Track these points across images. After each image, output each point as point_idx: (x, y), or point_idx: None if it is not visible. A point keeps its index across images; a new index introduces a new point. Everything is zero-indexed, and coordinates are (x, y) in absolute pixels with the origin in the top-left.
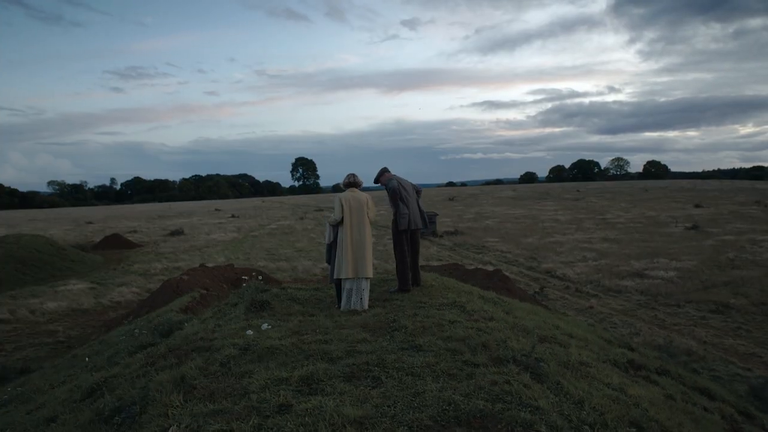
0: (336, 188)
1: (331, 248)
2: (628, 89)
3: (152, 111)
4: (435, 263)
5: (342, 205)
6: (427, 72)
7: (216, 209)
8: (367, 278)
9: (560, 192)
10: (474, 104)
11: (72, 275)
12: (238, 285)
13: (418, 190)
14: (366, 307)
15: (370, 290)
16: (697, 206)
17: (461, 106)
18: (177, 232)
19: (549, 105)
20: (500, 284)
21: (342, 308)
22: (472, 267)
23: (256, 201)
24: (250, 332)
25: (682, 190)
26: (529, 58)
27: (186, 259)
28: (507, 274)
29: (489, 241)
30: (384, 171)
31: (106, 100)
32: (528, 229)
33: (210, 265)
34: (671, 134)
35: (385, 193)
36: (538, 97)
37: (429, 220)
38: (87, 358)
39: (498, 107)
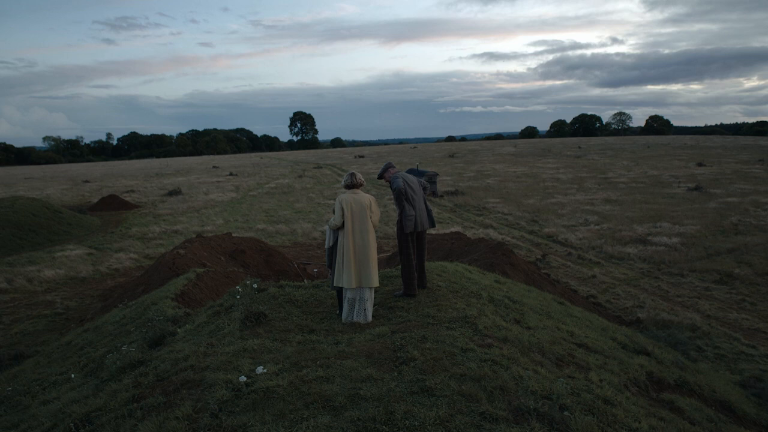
0: (335, 142)
1: (332, 252)
2: (632, 40)
3: (145, 63)
4: (436, 227)
5: (343, 209)
6: (426, 22)
7: (214, 166)
8: (371, 288)
9: (561, 148)
10: (474, 56)
11: (69, 239)
12: (236, 257)
13: (424, 186)
14: (369, 319)
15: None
16: (699, 165)
17: (461, 57)
18: (175, 192)
19: (550, 57)
20: (504, 259)
21: (344, 319)
22: (474, 234)
23: (254, 157)
24: (243, 378)
25: (685, 147)
26: (530, 7)
27: (184, 222)
28: (509, 239)
29: (490, 202)
30: (389, 167)
31: (97, 52)
32: (529, 189)
33: (208, 228)
34: (674, 87)
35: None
36: (539, 48)
37: (430, 180)
38: (73, 375)
39: (498, 59)
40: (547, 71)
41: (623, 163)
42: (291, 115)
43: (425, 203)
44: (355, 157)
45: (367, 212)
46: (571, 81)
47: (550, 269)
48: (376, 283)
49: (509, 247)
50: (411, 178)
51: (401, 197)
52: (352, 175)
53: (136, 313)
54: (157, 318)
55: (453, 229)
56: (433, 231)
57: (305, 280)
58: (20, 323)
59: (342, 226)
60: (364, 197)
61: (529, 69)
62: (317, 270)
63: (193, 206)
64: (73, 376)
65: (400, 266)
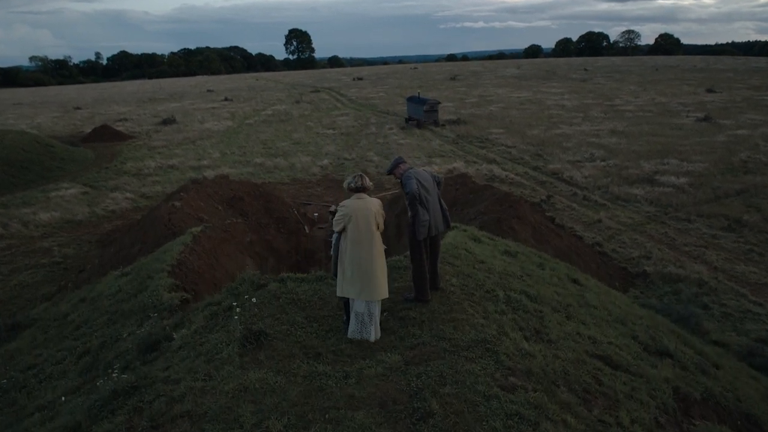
0: (332, 61)
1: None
2: None
3: None
4: (438, 161)
5: (345, 216)
6: None
7: (208, 90)
8: (379, 300)
9: (566, 70)
10: None
11: (63, 176)
12: (234, 205)
13: (438, 180)
14: (378, 335)
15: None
16: (709, 91)
17: None
18: (169, 121)
19: None
20: (511, 212)
21: (351, 336)
22: (477, 171)
23: (249, 79)
24: None
25: (694, 69)
26: None
27: (180, 155)
28: (512, 176)
29: (493, 133)
30: (399, 162)
31: None
32: (533, 117)
33: (205, 162)
34: (685, 2)
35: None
36: None
37: (431, 108)
38: (63, 398)
39: None
40: None
41: (630, 88)
42: (286, 32)
43: (440, 201)
44: (354, 79)
45: (374, 220)
46: None
47: (555, 212)
48: (385, 294)
49: (515, 198)
50: (424, 175)
51: (415, 202)
52: (361, 177)
53: (132, 287)
54: (153, 313)
55: (455, 164)
56: (436, 166)
57: (305, 227)
58: (19, 274)
59: (345, 232)
60: (371, 203)
61: None
62: (317, 214)
63: (189, 137)
64: (63, 398)
65: (410, 260)
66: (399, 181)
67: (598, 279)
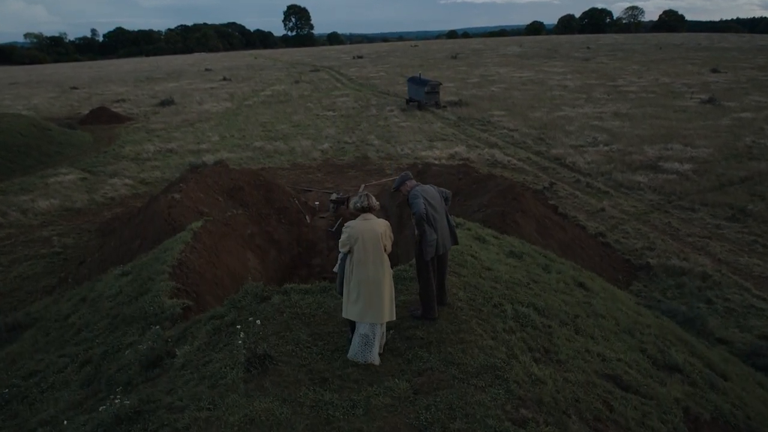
0: (331, 38)
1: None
2: None
3: None
4: (439, 145)
5: (351, 238)
6: None
7: (206, 69)
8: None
9: (569, 49)
10: None
11: (61, 161)
12: (234, 195)
13: (446, 196)
14: (379, 355)
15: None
16: (713, 71)
17: None
18: (167, 102)
19: None
20: (515, 206)
21: (355, 358)
22: (479, 156)
23: (248, 57)
24: None
25: (699, 48)
26: None
27: (179, 139)
28: (515, 161)
29: (495, 115)
30: (405, 179)
31: None
32: (535, 99)
33: (204, 146)
34: None
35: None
36: None
37: (432, 89)
38: (66, 423)
39: None
40: None
41: (633, 67)
42: (284, 7)
43: (447, 219)
44: (354, 57)
45: (381, 241)
46: None
47: (558, 200)
48: (392, 317)
49: (519, 189)
50: (431, 192)
51: (422, 222)
52: (367, 197)
53: (132, 288)
54: (154, 323)
55: (457, 149)
56: (437, 151)
57: (306, 217)
58: (18, 265)
59: (351, 254)
60: (377, 224)
61: None
62: (318, 202)
63: (187, 119)
64: (65, 417)
65: (417, 277)
66: (405, 196)
67: (602, 273)
